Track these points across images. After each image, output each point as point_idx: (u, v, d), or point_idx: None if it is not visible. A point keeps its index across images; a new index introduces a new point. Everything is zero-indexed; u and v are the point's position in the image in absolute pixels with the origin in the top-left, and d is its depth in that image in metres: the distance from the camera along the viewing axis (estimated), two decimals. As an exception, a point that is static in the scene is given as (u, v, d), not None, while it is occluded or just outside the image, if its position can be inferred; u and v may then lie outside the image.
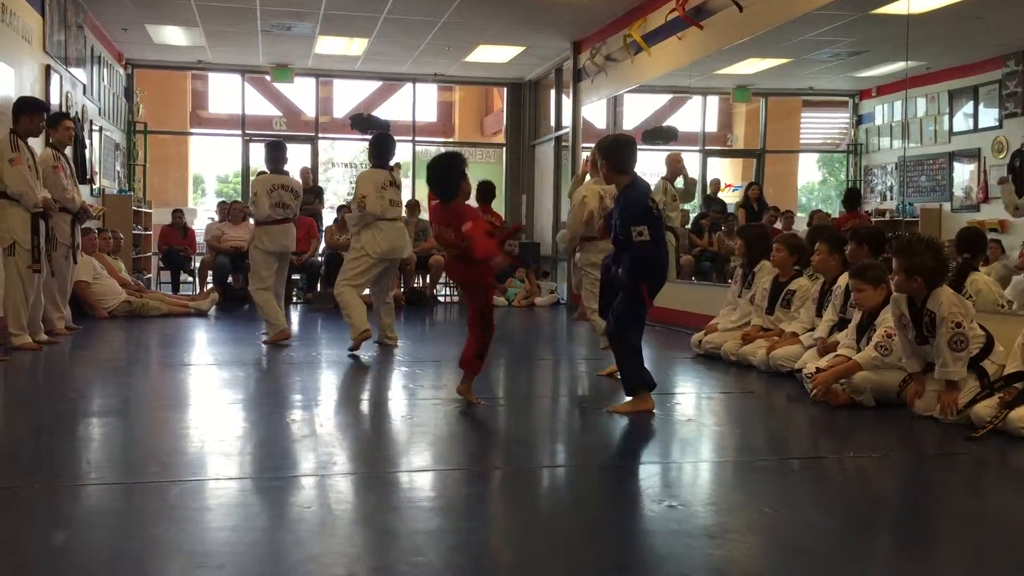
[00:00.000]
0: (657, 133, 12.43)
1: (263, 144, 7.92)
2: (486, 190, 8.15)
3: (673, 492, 3.38)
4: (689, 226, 10.92)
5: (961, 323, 4.45)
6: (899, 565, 2.69)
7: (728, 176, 13.29)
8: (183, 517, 2.91)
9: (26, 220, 6.50)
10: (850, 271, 5.41)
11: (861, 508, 3.32)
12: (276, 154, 7.51)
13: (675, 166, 9.67)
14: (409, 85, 14.36)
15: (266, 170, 7.50)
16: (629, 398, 4.75)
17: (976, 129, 9.62)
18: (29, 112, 6.62)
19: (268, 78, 13.74)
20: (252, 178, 7.34)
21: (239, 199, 13.05)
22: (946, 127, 9.98)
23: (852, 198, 9.30)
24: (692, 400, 5.51)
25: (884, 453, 4.13)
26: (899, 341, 4.82)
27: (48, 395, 5.40)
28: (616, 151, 4.85)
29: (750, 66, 10.69)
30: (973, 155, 9.60)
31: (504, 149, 14.89)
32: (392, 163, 7.10)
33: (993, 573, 2.65)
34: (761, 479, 3.62)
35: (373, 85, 15.33)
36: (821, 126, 13.78)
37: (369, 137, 14.39)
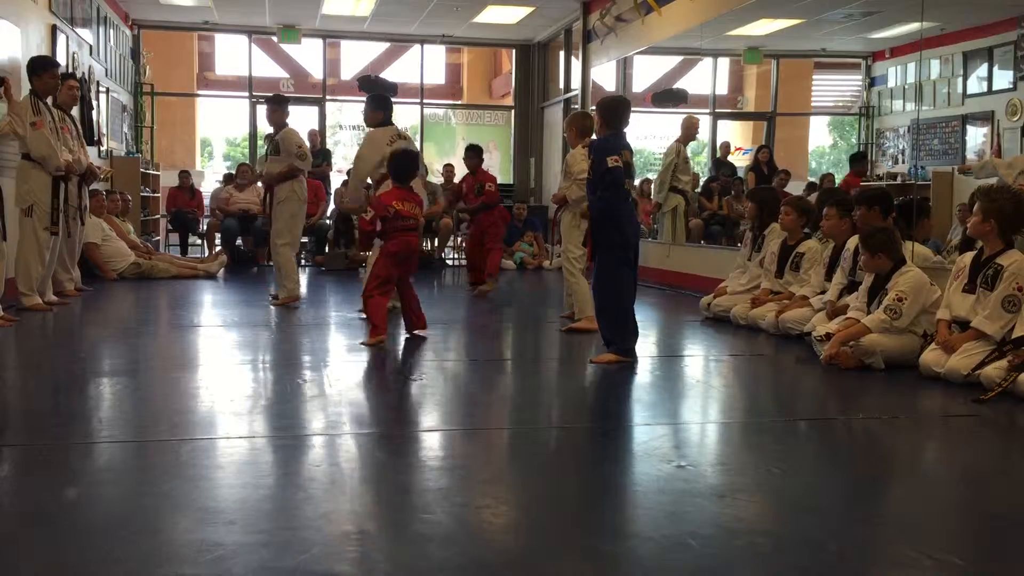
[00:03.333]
0: (667, 95, 12.32)
1: (267, 100, 7.82)
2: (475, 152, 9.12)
3: (682, 452, 3.39)
4: (699, 190, 10.86)
5: (1023, 288, 4.43)
6: (906, 525, 2.70)
7: (738, 139, 13.20)
8: (194, 475, 2.93)
9: (47, 183, 6.53)
10: (860, 236, 5.38)
11: (869, 469, 3.33)
12: (287, 108, 7.48)
13: (690, 130, 9.62)
14: (417, 47, 14.23)
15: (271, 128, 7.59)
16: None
17: (990, 91, 9.51)
18: (40, 71, 6.60)
19: (275, 39, 13.64)
20: (280, 136, 7.23)
21: (246, 162, 13.01)
22: (960, 89, 9.87)
23: (856, 160, 9.35)
24: (701, 362, 5.51)
25: (893, 415, 4.13)
26: (908, 305, 4.82)
27: (59, 355, 5.43)
28: (610, 108, 5.24)
29: (762, 27, 10.56)
30: (987, 118, 9.50)
31: (513, 112, 14.78)
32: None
33: (1002, 533, 2.66)
34: (769, 440, 3.63)
35: (381, 47, 15.21)
36: (833, 89, 13.65)
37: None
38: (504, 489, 2.98)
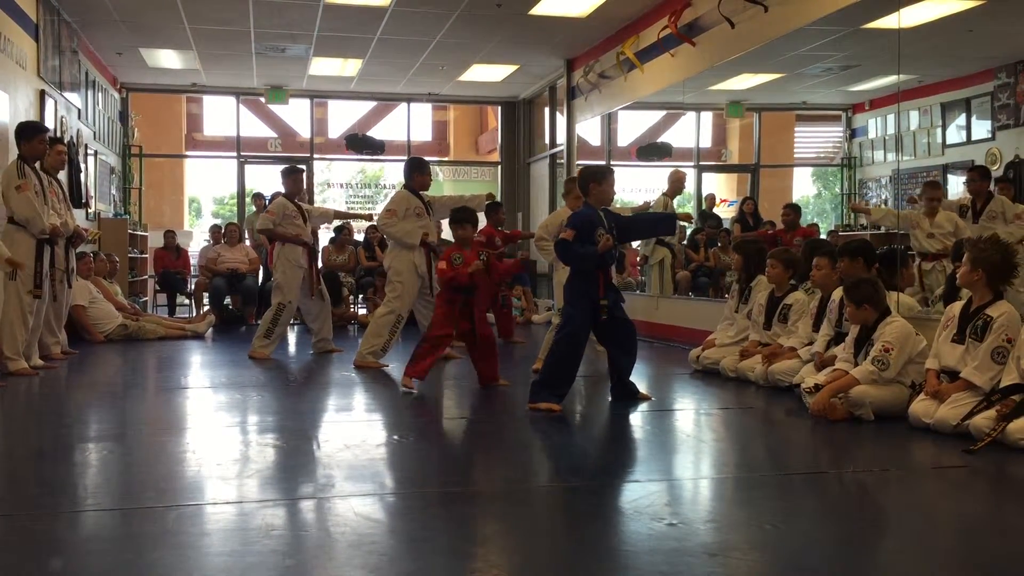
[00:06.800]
0: (652, 149, 12.47)
1: (284, 171, 8.20)
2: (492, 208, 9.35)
3: (673, 509, 3.37)
4: (685, 242, 10.93)
5: (1012, 340, 4.46)
6: (901, 581, 2.68)
7: (723, 191, 13.32)
8: (181, 542, 2.89)
9: (31, 246, 6.53)
10: (844, 288, 5.41)
11: (862, 523, 3.31)
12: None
13: (677, 184, 9.71)
14: (404, 105, 14.41)
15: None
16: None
17: (969, 141, 9.65)
18: (28, 136, 6.65)
19: (263, 100, 13.78)
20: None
21: (234, 221, 13.06)
22: (939, 140, 10.02)
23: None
24: (691, 416, 5.50)
25: (883, 467, 4.12)
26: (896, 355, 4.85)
27: (44, 420, 5.37)
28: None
29: (743, 81, 10.73)
30: (967, 167, 9.63)
31: (499, 167, 14.92)
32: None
33: (996, 587, 2.64)
34: (761, 495, 3.61)
35: (368, 105, 15.39)
36: (815, 140, 13.82)
37: (362, 157, 14.60)
38: (494, 551, 2.95)
